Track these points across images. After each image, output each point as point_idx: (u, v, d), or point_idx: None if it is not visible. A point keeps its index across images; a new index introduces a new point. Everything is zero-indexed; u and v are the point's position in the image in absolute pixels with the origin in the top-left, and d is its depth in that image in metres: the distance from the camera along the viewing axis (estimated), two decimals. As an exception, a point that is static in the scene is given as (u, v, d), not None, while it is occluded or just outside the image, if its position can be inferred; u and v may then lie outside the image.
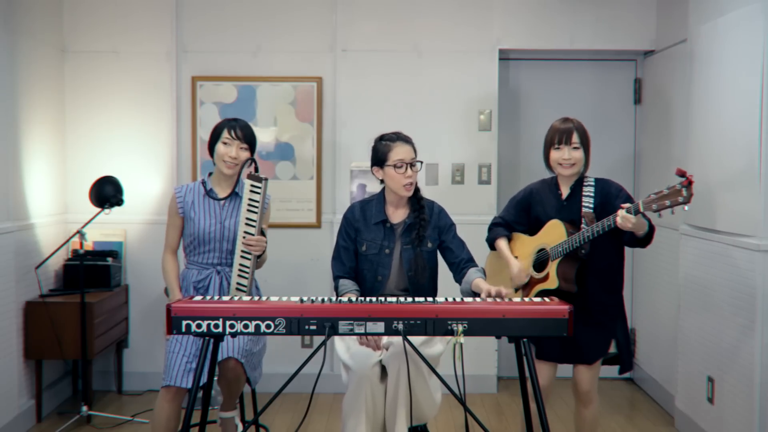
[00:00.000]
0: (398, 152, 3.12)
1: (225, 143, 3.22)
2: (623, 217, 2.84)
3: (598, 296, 3.11)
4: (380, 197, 3.26)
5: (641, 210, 2.82)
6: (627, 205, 2.87)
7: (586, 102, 4.94)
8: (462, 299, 2.72)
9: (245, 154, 3.25)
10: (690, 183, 2.72)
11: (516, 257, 3.25)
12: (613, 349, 3.21)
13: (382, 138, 3.20)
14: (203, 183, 3.31)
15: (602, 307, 3.12)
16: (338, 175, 4.72)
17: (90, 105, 4.68)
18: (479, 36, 4.70)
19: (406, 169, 3.11)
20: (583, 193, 3.16)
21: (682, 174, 2.74)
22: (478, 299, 2.79)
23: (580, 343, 3.09)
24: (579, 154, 3.13)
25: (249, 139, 3.26)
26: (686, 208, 2.77)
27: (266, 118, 4.69)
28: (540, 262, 3.16)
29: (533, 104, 4.96)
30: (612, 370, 3.30)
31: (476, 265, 3.17)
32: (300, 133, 4.70)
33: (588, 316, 3.06)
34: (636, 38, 4.72)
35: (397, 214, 3.23)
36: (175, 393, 3.11)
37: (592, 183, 3.18)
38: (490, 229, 3.38)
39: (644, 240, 3.00)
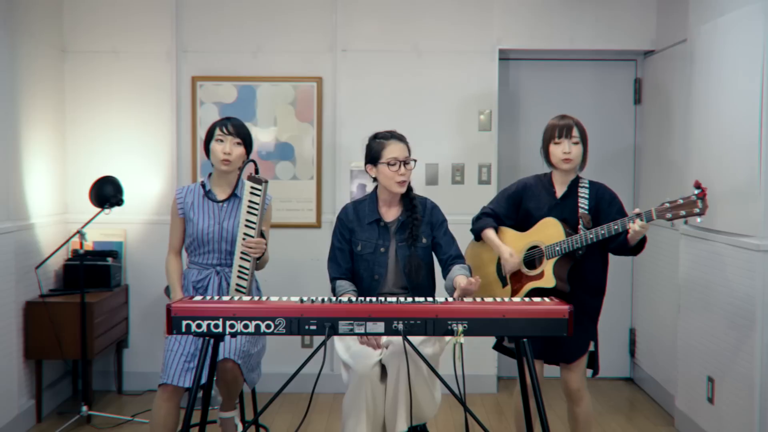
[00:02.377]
0: (392, 150, 3.14)
1: (218, 140, 3.24)
2: (641, 226, 2.86)
3: (582, 298, 3.13)
4: (373, 196, 3.27)
5: (654, 218, 2.84)
6: (637, 210, 2.89)
7: (586, 102, 4.94)
8: (462, 299, 2.72)
9: (239, 150, 3.25)
10: (705, 195, 2.79)
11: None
12: (591, 348, 3.23)
13: (376, 136, 3.22)
14: (203, 184, 3.32)
15: (584, 308, 3.13)
16: (338, 175, 4.72)
17: (90, 105, 4.68)
18: (479, 36, 4.70)
19: (400, 166, 3.13)
20: (579, 194, 3.16)
21: (698, 186, 2.80)
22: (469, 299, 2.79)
23: (561, 343, 3.11)
24: (578, 149, 3.14)
25: (242, 134, 3.26)
26: (699, 220, 2.82)
27: (266, 118, 4.69)
28: (531, 259, 3.16)
29: (533, 104, 4.96)
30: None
31: (463, 262, 3.18)
32: (300, 133, 4.70)
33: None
34: (636, 38, 4.72)
35: (391, 213, 3.24)
36: (172, 391, 3.10)
37: (587, 185, 3.19)
38: (477, 219, 3.34)
39: (636, 248, 3.02)
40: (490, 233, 3.26)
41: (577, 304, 3.08)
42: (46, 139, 4.41)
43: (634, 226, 2.87)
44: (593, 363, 3.25)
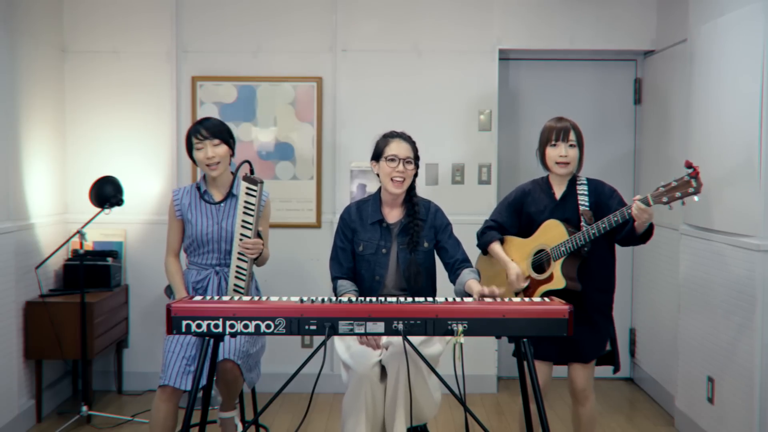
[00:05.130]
0: (393, 147, 3.16)
1: (198, 149, 3.22)
2: (640, 209, 2.84)
3: (593, 295, 3.12)
4: (376, 197, 3.27)
5: (651, 203, 2.83)
6: (639, 197, 2.88)
7: (586, 102, 4.94)
8: (462, 299, 2.72)
9: (221, 149, 3.23)
10: (697, 173, 2.77)
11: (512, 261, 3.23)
12: (608, 347, 3.21)
13: (384, 135, 3.25)
14: (197, 187, 3.31)
15: (596, 306, 3.13)
16: (338, 175, 4.72)
17: (90, 105, 4.68)
18: (479, 36, 4.70)
19: (398, 164, 3.13)
20: (578, 192, 3.16)
21: (689, 165, 2.78)
22: (469, 299, 2.78)
23: (577, 342, 3.09)
24: (574, 152, 3.12)
25: (216, 133, 3.22)
26: (696, 198, 2.79)
27: (266, 118, 4.69)
28: (539, 263, 3.15)
29: (533, 104, 4.96)
30: (608, 370, 3.31)
31: (471, 266, 3.17)
32: (300, 133, 4.70)
33: (584, 315, 3.05)
34: (636, 38, 4.72)
35: (393, 214, 3.24)
36: (171, 393, 3.10)
37: (585, 182, 3.18)
38: (482, 233, 3.33)
39: (644, 236, 3.00)
40: (496, 247, 3.25)
41: (588, 303, 3.09)
42: (46, 139, 4.41)
43: (634, 207, 2.86)
44: (613, 360, 3.22)
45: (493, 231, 3.29)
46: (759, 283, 3.28)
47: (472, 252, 3.36)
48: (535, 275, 3.15)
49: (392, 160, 3.14)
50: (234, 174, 3.32)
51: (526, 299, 2.74)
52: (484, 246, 3.31)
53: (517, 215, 3.27)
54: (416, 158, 3.20)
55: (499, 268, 3.32)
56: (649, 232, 3.00)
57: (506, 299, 2.72)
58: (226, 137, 3.26)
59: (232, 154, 3.31)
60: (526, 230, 3.23)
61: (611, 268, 3.19)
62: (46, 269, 4.31)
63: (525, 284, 3.15)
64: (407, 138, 3.21)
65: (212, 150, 3.20)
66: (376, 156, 3.21)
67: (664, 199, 2.82)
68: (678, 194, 2.80)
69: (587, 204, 3.12)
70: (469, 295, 2.95)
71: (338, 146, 4.70)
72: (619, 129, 4.99)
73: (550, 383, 3.27)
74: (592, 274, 3.12)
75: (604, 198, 3.13)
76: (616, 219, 2.92)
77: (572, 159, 3.12)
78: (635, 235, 2.98)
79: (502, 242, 3.28)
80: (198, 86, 4.67)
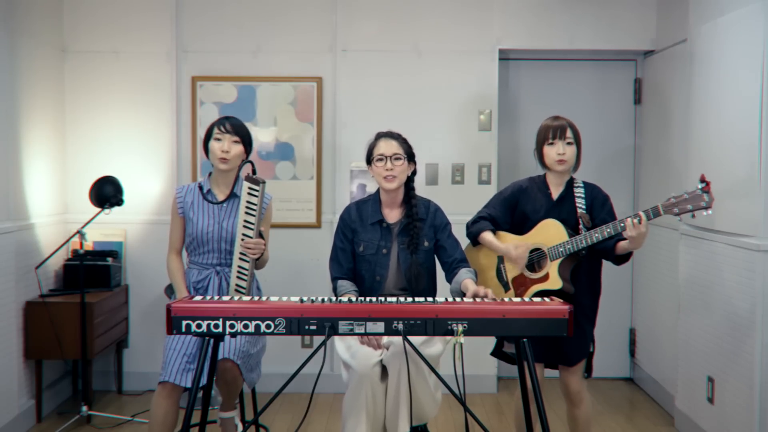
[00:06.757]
0: (380, 147, 3.18)
1: (217, 139, 3.24)
2: (631, 228, 2.84)
3: (581, 299, 3.12)
4: (375, 197, 3.28)
5: (661, 213, 2.84)
6: (641, 213, 2.87)
7: (586, 102, 4.94)
8: (462, 299, 2.72)
9: (238, 148, 3.25)
10: (709, 189, 2.80)
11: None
12: (591, 349, 3.23)
13: (374, 137, 3.26)
14: (200, 186, 3.31)
15: (583, 310, 3.13)
16: (338, 175, 4.72)
17: (90, 105, 4.68)
18: (479, 36, 4.70)
19: (386, 162, 3.14)
20: (575, 195, 3.16)
21: (703, 180, 2.82)
22: (465, 299, 2.79)
23: (562, 345, 3.10)
24: (572, 150, 3.13)
25: (240, 133, 3.26)
26: (709, 212, 2.81)
27: (266, 118, 4.69)
28: (531, 262, 3.15)
29: (533, 104, 4.96)
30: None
31: (468, 266, 3.17)
32: (300, 133, 4.70)
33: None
34: (636, 38, 4.72)
35: (393, 215, 3.24)
36: (171, 389, 3.10)
37: (582, 185, 3.19)
38: (474, 222, 3.28)
39: (619, 259, 3.03)
40: (488, 236, 3.21)
41: (576, 306, 3.08)
42: (46, 139, 4.41)
43: (627, 225, 2.85)
44: (588, 365, 3.24)
45: (486, 221, 3.26)
46: (759, 283, 3.28)
47: (473, 252, 3.36)
48: (528, 273, 3.15)
49: (380, 159, 3.15)
50: (237, 174, 3.32)
51: (525, 299, 2.74)
52: (475, 234, 3.26)
53: (510, 211, 3.25)
54: (409, 155, 3.20)
55: (486, 263, 3.29)
56: (626, 257, 3.04)
57: (506, 299, 2.72)
58: (247, 139, 3.30)
59: (245, 159, 3.31)
60: (518, 227, 3.22)
61: (598, 274, 3.21)
62: (46, 269, 4.31)
63: (525, 252, 3.11)
64: (395, 136, 3.22)
65: (229, 145, 3.22)
66: (368, 159, 3.23)
67: (675, 210, 2.84)
68: (689, 207, 2.83)
69: (584, 207, 3.13)
70: (465, 294, 2.96)
71: (338, 146, 4.70)
72: (619, 129, 4.99)
73: (544, 383, 3.27)
74: (581, 278, 3.13)
75: (597, 204, 3.15)
76: (622, 225, 2.92)
77: (570, 157, 3.12)
78: (612, 253, 3.00)
79: (494, 234, 3.25)
80: (198, 86, 4.68)
